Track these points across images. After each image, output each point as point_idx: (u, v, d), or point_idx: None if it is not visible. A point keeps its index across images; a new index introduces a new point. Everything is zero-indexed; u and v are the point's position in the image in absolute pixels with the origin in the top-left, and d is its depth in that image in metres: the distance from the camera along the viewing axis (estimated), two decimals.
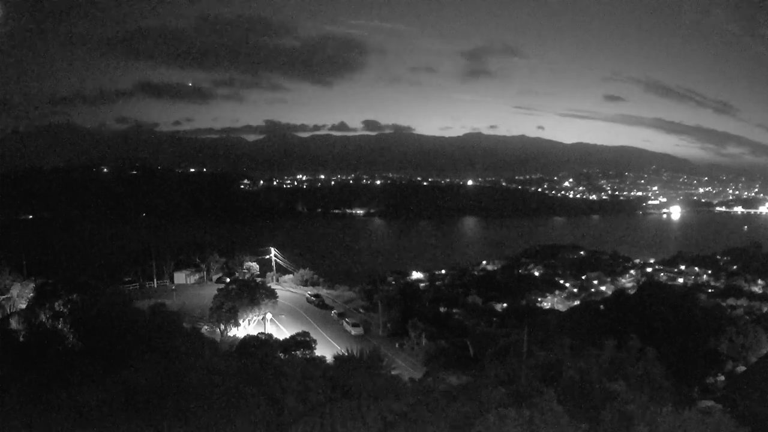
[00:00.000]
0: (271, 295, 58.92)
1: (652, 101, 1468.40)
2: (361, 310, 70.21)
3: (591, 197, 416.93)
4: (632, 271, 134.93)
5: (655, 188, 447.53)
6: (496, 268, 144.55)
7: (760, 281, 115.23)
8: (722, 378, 37.03)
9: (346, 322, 62.21)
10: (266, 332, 52.01)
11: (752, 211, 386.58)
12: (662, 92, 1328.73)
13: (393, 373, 23.59)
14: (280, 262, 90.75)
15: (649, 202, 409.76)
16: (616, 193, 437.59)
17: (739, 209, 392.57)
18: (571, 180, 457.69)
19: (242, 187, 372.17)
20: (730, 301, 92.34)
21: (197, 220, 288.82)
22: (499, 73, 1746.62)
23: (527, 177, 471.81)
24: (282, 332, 54.91)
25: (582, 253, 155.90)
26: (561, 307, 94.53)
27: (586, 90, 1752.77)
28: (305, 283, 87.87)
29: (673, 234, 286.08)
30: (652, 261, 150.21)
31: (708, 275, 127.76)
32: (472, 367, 45.71)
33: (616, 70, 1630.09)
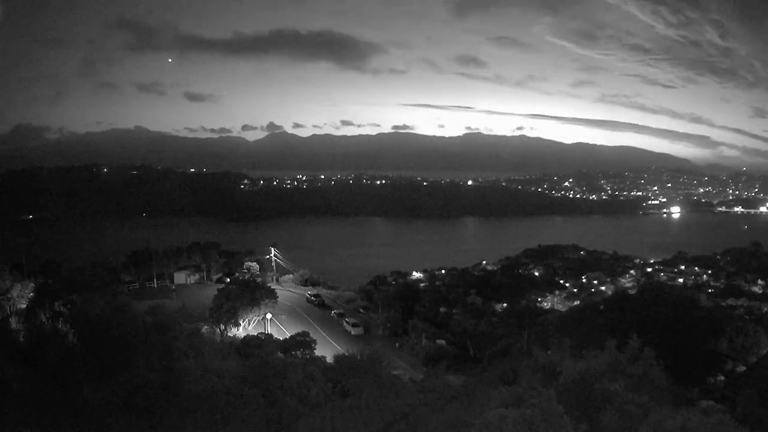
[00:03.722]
0: (271, 295, 58.91)
1: (634, 115, 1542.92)
2: (361, 310, 70.19)
3: (591, 197, 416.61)
4: (632, 271, 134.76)
5: (655, 188, 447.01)
6: (496, 268, 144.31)
7: (760, 281, 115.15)
8: (722, 378, 37.01)
9: (346, 322, 62.21)
10: (266, 332, 52.02)
11: (752, 211, 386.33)
12: (640, 107, 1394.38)
13: (393, 373, 23.60)
14: (280, 262, 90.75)
15: (649, 202, 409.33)
16: (616, 193, 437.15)
17: (739, 209, 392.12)
18: (571, 180, 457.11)
19: (242, 187, 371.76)
20: (730, 301, 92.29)
21: (197, 220, 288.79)
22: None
23: (527, 177, 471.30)
24: (282, 332, 54.91)
25: (582, 253, 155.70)
26: (561, 307, 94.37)
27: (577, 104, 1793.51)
28: (305, 283, 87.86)
29: (673, 234, 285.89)
30: (652, 261, 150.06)
31: (708, 275, 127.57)
32: (472, 367, 45.80)
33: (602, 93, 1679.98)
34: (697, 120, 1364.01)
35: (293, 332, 51.15)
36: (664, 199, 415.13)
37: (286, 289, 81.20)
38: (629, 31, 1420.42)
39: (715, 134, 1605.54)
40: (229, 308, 54.53)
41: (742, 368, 37.12)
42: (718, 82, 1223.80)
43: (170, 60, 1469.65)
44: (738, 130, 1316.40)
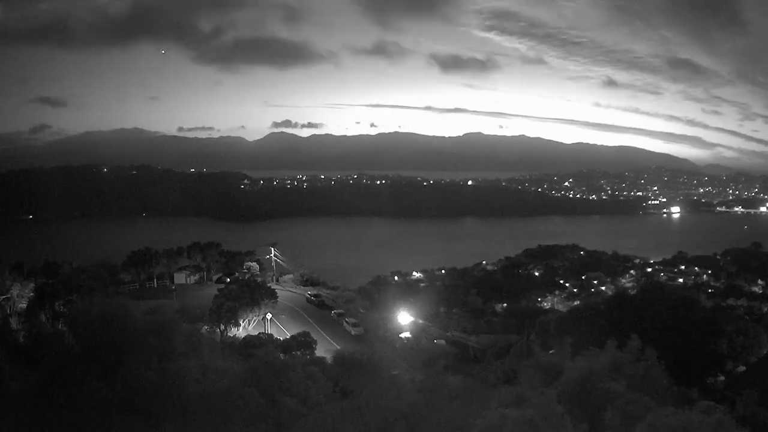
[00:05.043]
0: (271, 295, 58.90)
1: (632, 117, 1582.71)
2: (362, 310, 70.14)
3: (591, 197, 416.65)
4: (632, 271, 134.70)
5: (655, 188, 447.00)
6: (496, 268, 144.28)
7: (760, 281, 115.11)
8: (722, 378, 36.96)
9: (346, 322, 62.15)
10: (267, 332, 52.06)
11: (752, 211, 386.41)
12: (635, 110, 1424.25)
13: (393, 373, 23.59)
14: (280, 262, 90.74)
15: (649, 202, 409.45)
16: (616, 193, 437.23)
17: (739, 209, 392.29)
18: (571, 180, 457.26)
19: (242, 187, 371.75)
20: (730, 301, 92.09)
21: (197, 220, 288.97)
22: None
23: (527, 177, 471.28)
24: (282, 332, 54.91)
25: (582, 253, 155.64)
26: (561, 307, 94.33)
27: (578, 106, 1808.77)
28: (305, 283, 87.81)
29: (673, 234, 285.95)
30: (652, 261, 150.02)
31: (708, 275, 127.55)
32: (472, 367, 45.76)
33: (598, 101, 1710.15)
34: (691, 122, 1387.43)
35: (293, 332, 51.17)
36: (664, 199, 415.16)
37: (286, 289, 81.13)
38: (592, 41, 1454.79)
39: (712, 136, 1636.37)
40: (229, 308, 54.48)
41: (742, 368, 37.11)
42: (693, 86, 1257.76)
43: (163, 52, 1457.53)
44: (734, 132, 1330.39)
